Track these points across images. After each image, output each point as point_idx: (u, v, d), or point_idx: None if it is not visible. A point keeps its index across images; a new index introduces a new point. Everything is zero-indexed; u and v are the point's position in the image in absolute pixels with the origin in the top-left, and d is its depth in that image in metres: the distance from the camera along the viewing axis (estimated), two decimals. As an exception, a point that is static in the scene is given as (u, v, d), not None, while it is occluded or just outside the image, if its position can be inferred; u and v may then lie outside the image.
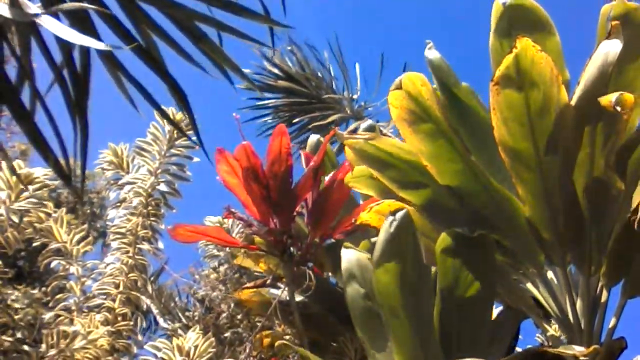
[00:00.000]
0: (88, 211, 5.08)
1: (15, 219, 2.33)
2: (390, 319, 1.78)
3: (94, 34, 1.39)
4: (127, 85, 1.64)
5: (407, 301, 1.75)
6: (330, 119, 5.09)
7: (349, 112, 5.40)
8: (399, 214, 1.74)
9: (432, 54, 2.00)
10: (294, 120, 5.34)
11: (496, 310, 2.04)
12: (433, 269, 1.87)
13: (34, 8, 1.13)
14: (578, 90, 1.66)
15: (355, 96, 5.64)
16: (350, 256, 1.97)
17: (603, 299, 1.83)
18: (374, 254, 1.78)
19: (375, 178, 2.01)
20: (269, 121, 5.53)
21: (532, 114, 1.66)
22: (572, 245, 1.81)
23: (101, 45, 1.10)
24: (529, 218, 1.80)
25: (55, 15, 1.11)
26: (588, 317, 1.80)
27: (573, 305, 1.82)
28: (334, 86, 5.65)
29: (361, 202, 2.51)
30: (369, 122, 2.74)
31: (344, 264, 1.97)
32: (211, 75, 1.62)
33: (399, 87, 1.84)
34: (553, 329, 2.12)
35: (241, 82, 2.71)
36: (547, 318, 1.99)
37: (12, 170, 1.24)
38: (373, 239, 2.28)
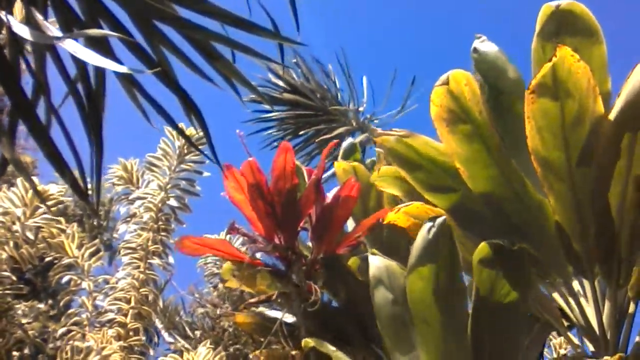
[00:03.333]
0: (95, 224, 5.13)
1: (30, 235, 2.37)
2: (421, 326, 1.74)
3: (109, 51, 1.43)
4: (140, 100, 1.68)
5: (439, 309, 1.72)
6: (336, 132, 5.10)
7: (354, 124, 5.39)
8: (438, 221, 1.69)
9: (486, 46, 1.93)
10: (300, 133, 5.35)
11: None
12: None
13: (54, 31, 1.18)
14: (619, 102, 1.63)
15: (361, 108, 5.64)
16: (378, 262, 1.92)
17: (630, 311, 1.78)
18: (409, 260, 1.73)
19: (401, 178, 1.97)
20: (274, 133, 5.54)
21: (566, 124, 1.64)
22: (601, 257, 1.77)
23: (123, 69, 1.13)
24: (560, 226, 1.77)
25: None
26: (614, 330, 1.76)
27: (600, 317, 1.79)
28: (339, 98, 5.65)
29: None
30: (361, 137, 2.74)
31: (372, 270, 1.92)
32: (222, 89, 1.66)
33: (445, 83, 1.78)
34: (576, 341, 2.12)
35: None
36: (573, 329, 1.97)
37: (34, 188, 1.27)
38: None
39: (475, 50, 1.99)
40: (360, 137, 5.11)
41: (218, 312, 3.21)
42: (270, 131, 5.55)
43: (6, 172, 1.38)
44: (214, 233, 3.28)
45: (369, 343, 2.33)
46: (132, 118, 1.75)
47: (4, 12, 1.19)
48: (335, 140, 3.05)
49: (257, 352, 2.62)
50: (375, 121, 5.61)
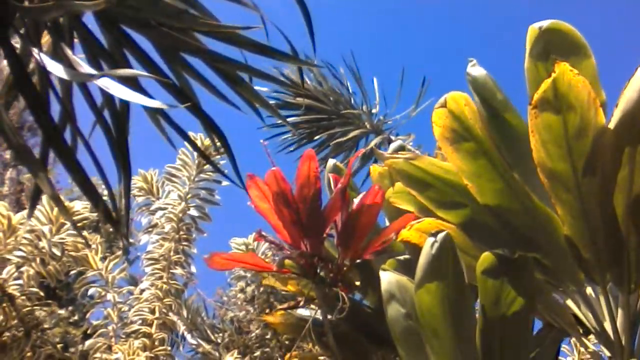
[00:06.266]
0: (111, 230, 5.18)
1: (57, 252, 2.40)
2: (432, 339, 1.79)
3: (136, 83, 1.44)
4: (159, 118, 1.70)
5: (448, 321, 1.75)
6: (350, 135, 5.11)
7: (368, 126, 5.40)
8: (440, 236, 1.72)
9: (476, 70, 1.99)
10: (315, 137, 5.39)
11: (537, 327, 2.05)
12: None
13: (85, 67, 1.19)
14: (617, 113, 1.66)
15: (374, 110, 5.65)
16: (389, 278, 1.97)
17: (643, 316, 1.84)
18: (416, 276, 1.79)
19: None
20: (289, 138, 5.59)
21: (570, 136, 1.67)
22: (611, 264, 1.80)
23: (155, 104, 1.15)
24: (568, 237, 1.80)
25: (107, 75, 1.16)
26: (629, 334, 1.80)
27: (614, 322, 1.82)
28: (352, 101, 5.66)
29: (387, 223, 2.54)
30: (398, 142, 2.75)
31: (384, 285, 1.97)
32: (243, 112, 1.67)
33: (444, 106, 1.85)
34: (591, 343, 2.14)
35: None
36: (587, 335, 2.00)
37: (62, 208, 1.28)
38: (400, 257, 2.32)
39: (468, 74, 2.04)
40: (375, 140, 5.11)
41: (244, 315, 3.24)
42: (285, 136, 5.59)
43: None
44: (230, 241, 3.31)
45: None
46: (150, 129, 1.76)
47: (36, 50, 1.21)
48: (360, 150, 3.07)
49: (289, 354, 2.66)
50: (389, 122, 5.63)
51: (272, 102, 5.31)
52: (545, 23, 1.91)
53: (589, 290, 1.92)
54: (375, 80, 5.84)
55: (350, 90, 5.69)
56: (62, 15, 1.35)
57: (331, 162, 2.86)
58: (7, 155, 5.06)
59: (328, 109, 5.42)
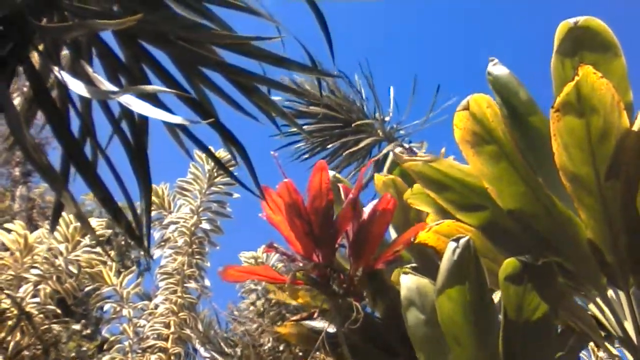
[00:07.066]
0: (123, 244, 5.19)
1: (73, 269, 2.41)
2: (453, 346, 1.77)
3: (156, 98, 1.45)
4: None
5: (470, 328, 1.74)
6: (362, 144, 5.11)
7: (380, 134, 5.40)
8: (462, 241, 1.71)
9: (498, 69, 1.98)
10: (327, 146, 5.40)
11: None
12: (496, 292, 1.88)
13: (106, 84, 1.20)
14: None
15: (387, 118, 5.64)
16: (409, 283, 1.95)
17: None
18: (437, 282, 1.77)
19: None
20: (302, 146, 5.62)
21: (593, 139, 1.66)
22: (634, 267, 1.79)
23: (178, 120, 1.15)
24: (591, 241, 1.79)
25: (129, 91, 1.18)
26: None
27: (637, 327, 1.81)
28: (365, 109, 5.66)
29: (392, 237, 2.54)
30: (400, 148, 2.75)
31: (403, 291, 1.94)
32: (261, 122, 1.68)
33: (466, 108, 1.83)
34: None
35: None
36: (609, 339, 1.98)
37: (86, 225, 1.28)
38: (407, 266, 2.32)
39: (489, 73, 2.03)
40: (387, 148, 5.10)
41: (256, 327, 3.24)
42: (298, 145, 5.61)
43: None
44: (239, 254, 3.32)
45: (411, 352, 2.36)
46: (160, 142, 1.77)
47: (56, 68, 1.22)
48: (372, 159, 3.07)
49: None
50: (402, 131, 5.63)
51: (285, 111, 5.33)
52: (580, 19, 1.88)
53: (611, 294, 1.91)
54: (391, 88, 5.84)
55: (364, 97, 5.69)
56: (83, 34, 1.36)
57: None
58: (17, 172, 5.08)
59: (341, 117, 5.42)
